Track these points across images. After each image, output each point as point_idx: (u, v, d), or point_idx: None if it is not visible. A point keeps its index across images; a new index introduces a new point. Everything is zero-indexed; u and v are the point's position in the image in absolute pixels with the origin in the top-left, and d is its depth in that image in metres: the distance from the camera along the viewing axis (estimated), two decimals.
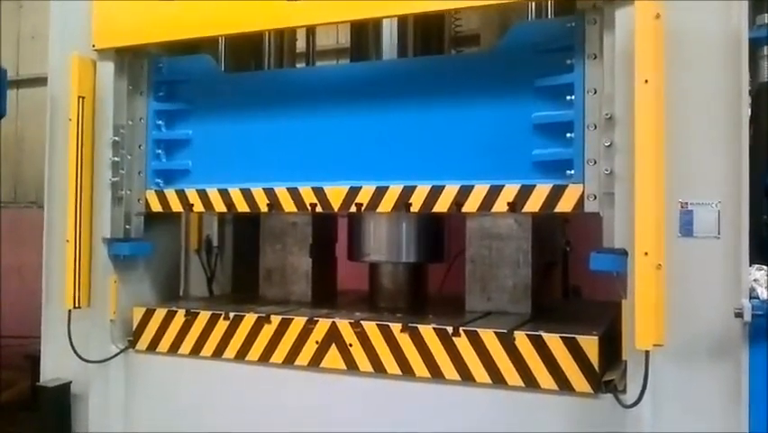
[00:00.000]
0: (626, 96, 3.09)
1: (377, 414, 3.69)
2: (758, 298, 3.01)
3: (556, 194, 3.44)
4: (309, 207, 4.00)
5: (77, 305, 4.18)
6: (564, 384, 3.30)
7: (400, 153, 3.85)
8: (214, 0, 3.94)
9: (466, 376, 3.49)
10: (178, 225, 5.11)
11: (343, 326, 3.78)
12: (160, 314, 4.28)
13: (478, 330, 3.51)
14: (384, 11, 3.65)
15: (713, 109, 3.08)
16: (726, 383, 3.03)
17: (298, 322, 3.89)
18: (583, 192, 3.36)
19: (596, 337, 3.29)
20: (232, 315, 4.07)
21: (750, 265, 3.07)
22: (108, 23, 4.28)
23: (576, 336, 3.32)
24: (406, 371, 3.61)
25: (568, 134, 3.40)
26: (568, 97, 3.42)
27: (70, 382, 4.36)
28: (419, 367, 3.58)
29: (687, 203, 3.09)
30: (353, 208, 3.88)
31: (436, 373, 3.55)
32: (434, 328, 3.58)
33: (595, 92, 3.33)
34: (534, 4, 4.05)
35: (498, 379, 3.43)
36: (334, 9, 3.69)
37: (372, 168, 3.89)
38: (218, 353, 4.08)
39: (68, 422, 4.34)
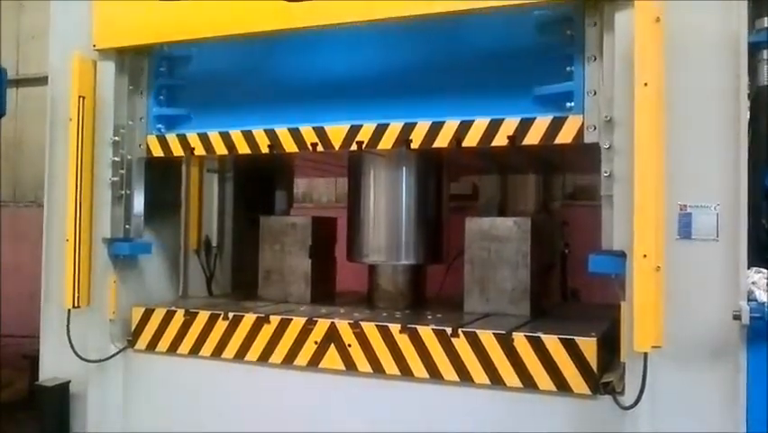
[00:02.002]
0: (625, 98, 3.10)
1: (376, 414, 3.69)
2: (756, 300, 3.01)
3: (556, 126, 3.44)
4: (310, 147, 3.97)
5: (76, 304, 4.18)
6: (563, 386, 3.31)
7: (401, 92, 3.84)
8: (216, 0, 3.94)
9: (465, 377, 3.49)
10: (177, 225, 5.12)
11: (342, 326, 3.78)
12: (159, 314, 4.28)
13: (476, 331, 3.52)
14: (385, 12, 3.65)
15: (712, 112, 3.09)
16: (724, 385, 3.03)
17: (297, 322, 3.90)
18: (583, 123, 3.36)
19: (594, 339, 3.30)
20: (231, 315, 4.08)
21: (748, 268, 3.08)
22: (109, 22, 4.28)
23: (574, 337, 3.33)
24: (405, 371, 3.61)
25: (568, 68, 3.42)
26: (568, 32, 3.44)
27: (69, 381, 4.36)
28: (418, 368, 3.59)
29: (686, 206, 3.10)
30: (354, 147, 3.86)
31: (435, 374, 3.55)
32: (432, 329, 3.59)
33: (595, 93, 3.33)
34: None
35: (496, 380, 3.43)
36: (336, 11, 3.69)
37: (373, 107, 3.87)
38: (217, 353, 4.08)
39: (67, 422, 4.34)
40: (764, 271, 3.19)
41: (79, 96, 4.19)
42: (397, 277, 4.62)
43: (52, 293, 4.46)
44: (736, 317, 2.95)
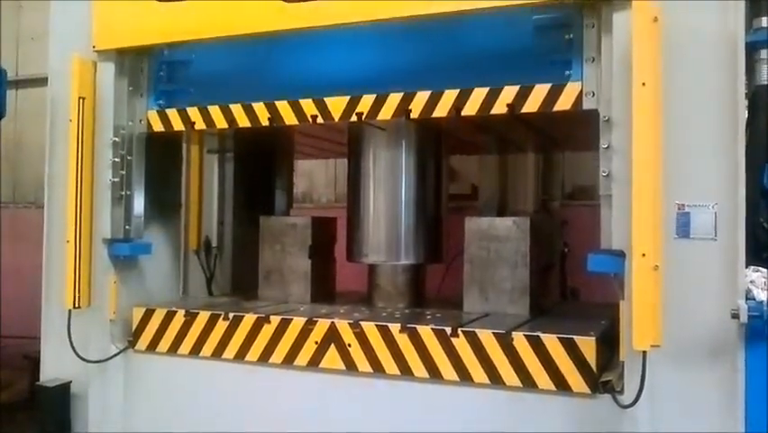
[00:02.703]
0: (623, 98, 3.11)
1: (375, 414, 3.70)
2: (754, 299, 3.02)
3: (555, 93, 3.45)
4: (310, 119, 3.97)
5: (76, 305, 4.19)
6: (562, 385, 3.32)
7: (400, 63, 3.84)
8: (215, 1, 3.95)
9: (464, 377, 3.50)
10: (177, 225, 5.13)
11: (342, 326, 3.79)
12: (159, 314, 4.29)
13: (476, 331, 3.53)
14: (384, 13, 3.66)
15: (710, 112, 3.10)
16: (722, 384, 3.05)
17: (298, 322, 3.91)
18: (581, 90, 3.37)
19: (593, 338, 3.31)
20: (231, 315, 4.09)
21: (746, 267, 3.09)
22: (108, 24, 4.30)
23: (574, 336, 3.34)
24: (405, 371, 3.62)
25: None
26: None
27: (70, 381, 4.37)
28: (418, 368, 3.60)
29: (684, 205, 3.11)
30: (354, 118, 3.87)
31: (435, 374, 3.56)
32: (432, 329, 3.60)
33: (593, 95, 3.35)
34: None
35: (496, 379, 3.44)
36: (336, 11, 3.71)
37: (372, 79, 3.88)
38: (218, 353, 4.09)
39: (68, 422, 4.35)
40: (762, 269, 3.20)
41: (79, 98, 4.20)
42: (396, 277, 4.62)
43: (53, 294, 4.46)
44: (735, 316, 2.96)
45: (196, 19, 4.03)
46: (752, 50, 3.48)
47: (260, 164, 5.78)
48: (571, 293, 5.46)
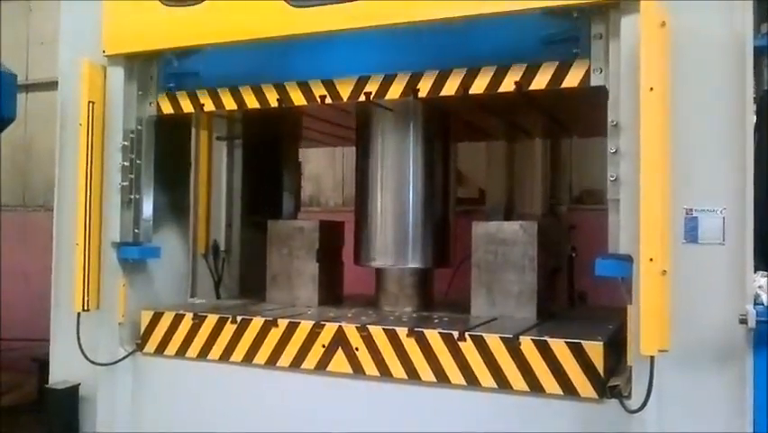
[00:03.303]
0: (631, 102, 3.11)
1: (382, 418, 3.71)
2: (762, 304, 3.02)
3: (563, 69, 3.44)
4: (319, 99, 3.99)
5: (85, 308, 4.21)
6: (569, 389, 3.31)
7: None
8: (224, 6, 3.97)
9: (471, 381, 3.50)
10: (186, 229, 5.15)
11: (350, 330, 3.80)
12: (167, 317, 4.31)
13: (483, 335, 3.53)
14: (385, 19, 3.67)
15: (718, 116, 3.10)
16: (730, 389, 3.04)
17: (305, 326, 3.91)
18: (589, 66, 3.37)
19: (601, 343, 3.30)
20: (239, 318, 4.10)
21: (755, 272, 3.08)
22: (118, 28, 4.32)
23: (581, 341, 3.33)
24: (412, 375, 3.63)
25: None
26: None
27: (79, 384, 4.39)
28: (425, 372, 3.60)
29: (692, 209, 3.11)
30: (362, 98, 3.88)
31: (442, 378, 3.57)
32: (439, 333, 3.60)
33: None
34: None
35: (503, 384, 3.44)
36: (342, 16, 3.72)
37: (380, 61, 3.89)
38: (225, 356, 4.10)
39: (77, 424, 4.37)
40: None
41: (89, 102, 4.23)
42: (403, 280, 4.63)
43: (62, 297, 4.49)
44: (743, 321, 2.96)
45: (205, 24, 4.05)
46: (760, 54, 3.48)
47: (267, 161, 5.82)
48: (579, 297, 5.44)
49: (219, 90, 4.23)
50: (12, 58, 8.07)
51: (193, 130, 5.34)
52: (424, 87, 3.74)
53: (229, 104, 4.21)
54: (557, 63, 3.45)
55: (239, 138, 5.66)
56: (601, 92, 3.33)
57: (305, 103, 4.02)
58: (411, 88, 3.76)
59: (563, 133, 5.50)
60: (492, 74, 3.59)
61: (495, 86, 3.59)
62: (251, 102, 4.14)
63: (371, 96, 3.85)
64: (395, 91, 3.81)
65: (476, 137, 5.58)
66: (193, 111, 4.36)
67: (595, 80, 3.36)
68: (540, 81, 3.50)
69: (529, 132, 5.16)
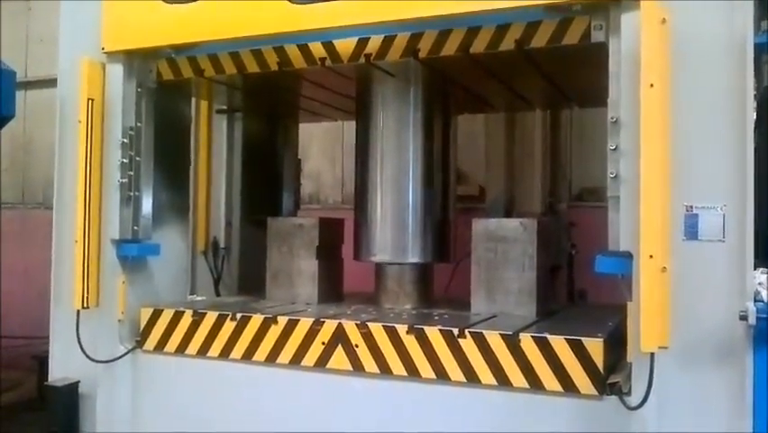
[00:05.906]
0: (631, 99, 3.11)
1: (382, 415, 3.71)
2: (762, 301, 3.02)
3: (563, 26, 3.44)
4: (319, 62, 3.99)
5: (85, 305, 4.21)
6: (569, 386, 3.31)
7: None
8: (223, 3, 3.97)
9: (471, 378, 3.50)
10: (185, 227, 5.14)
11: (350, 327, 3.80)
12: (167, 315, 4.31)
13: (483, 332, 3.52)
14: (385, 15, 3.67)
15: (718, 113, 3.09)
16: (730, 386, 3.04)
17: (305, 323, 3.91)
18: (589, 23, 3.36)
19: (601, 340, 3.30)
20: (239, 316, 4.10)
21: (755, 269, 3.08)
22: (117, 25, 4.32)
23: (581, 338, 3.33)
24: (412, 372, 3.63)
25: None
26: None
27: (78, 381, 4.39)
28: (425, 368, 3.60)
29: (692, 206, 3.11)
30: (362, 60, 3.87)
31: (442, 375, 3.56)
32: (439, 330, 3.60)
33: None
34: None
35: (503, 381, 3.44)
36: (341, 13, 3.71)
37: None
38: (225, 353, 4.10)
39: (76, 422, 4.37)
40: None
41: (88, 99, 4.23)
42: (403, 276, 4.62)
43: (62, 294, 4.48)
44: (743, 318, 2.95)
45: (204, 21, 4.04)
46: (760, 51, 3.47)
47: (267, 141, 5.82)
48: (579, 294, 5.45)
49: (219, 54, 4.24)
50: (11, 55, 8.04)
51: (193, 100, 5.33)
52: (424, 47, 3.73)
53: (229, 68, 4.22)
54: (557, 20, 3.45)
55: (239, 111, 5.65)
56: (602, 50, 3.31)
57: (305, 65, 4.03)
58: (412, 48, 3.75)
59: (564, 101, 5.40)
60: (492, 32, 3.59)
61: (495, 44, 3.58)
62: (251, 65, 4.14)
63: (372, 57, 3.84)
64: (395, 53, 3.81)
65: (477, 108, 5.54)
66: (193, 76, 4.34)
67: (596, 37, 3.35)
68: (540, 38, 3.50)
69: (529, 100, 5.09)
